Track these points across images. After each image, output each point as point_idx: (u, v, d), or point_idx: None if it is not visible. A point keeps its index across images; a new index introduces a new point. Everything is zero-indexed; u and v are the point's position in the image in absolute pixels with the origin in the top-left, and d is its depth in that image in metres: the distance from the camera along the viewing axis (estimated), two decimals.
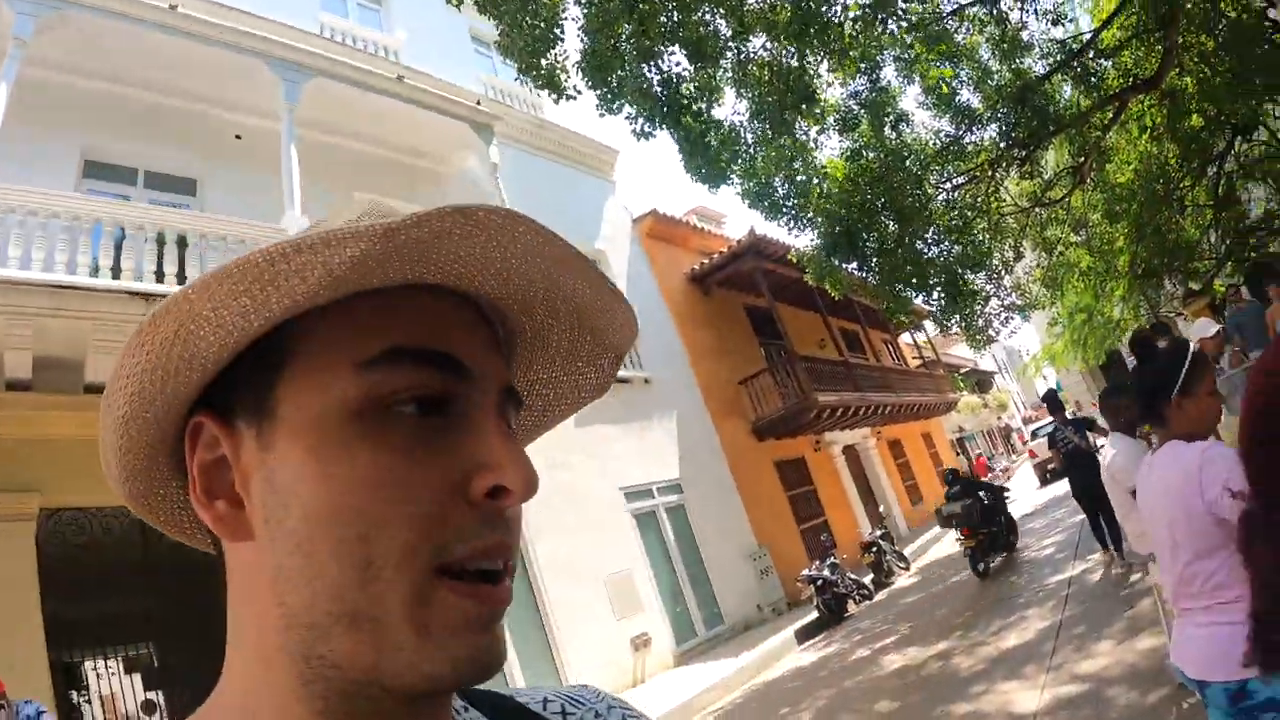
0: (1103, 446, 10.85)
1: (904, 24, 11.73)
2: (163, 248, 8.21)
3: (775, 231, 18.40)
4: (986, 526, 12.99)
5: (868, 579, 15.67)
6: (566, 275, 0.64)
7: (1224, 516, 2.41)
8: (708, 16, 10.45)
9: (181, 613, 9.90)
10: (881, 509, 22.87)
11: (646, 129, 10.49)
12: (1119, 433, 4.90)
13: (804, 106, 11.13)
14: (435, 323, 0.58)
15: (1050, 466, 19.16)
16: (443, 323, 0.59)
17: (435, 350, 0.57)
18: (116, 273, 7.66)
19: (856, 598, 14.60)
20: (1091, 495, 9.53)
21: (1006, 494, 13.94)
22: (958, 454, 39.69)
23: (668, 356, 17.20)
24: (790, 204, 12.87)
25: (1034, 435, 28.97)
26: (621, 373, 15.06)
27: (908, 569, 17.20)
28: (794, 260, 14.92)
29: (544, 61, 9.78)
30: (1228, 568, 2.46)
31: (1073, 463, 10.59)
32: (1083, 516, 11.19)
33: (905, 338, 32.55)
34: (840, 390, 19.54)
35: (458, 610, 0.53)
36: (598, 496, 13.59)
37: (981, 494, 13.38)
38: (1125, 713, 5.11)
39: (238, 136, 11.12)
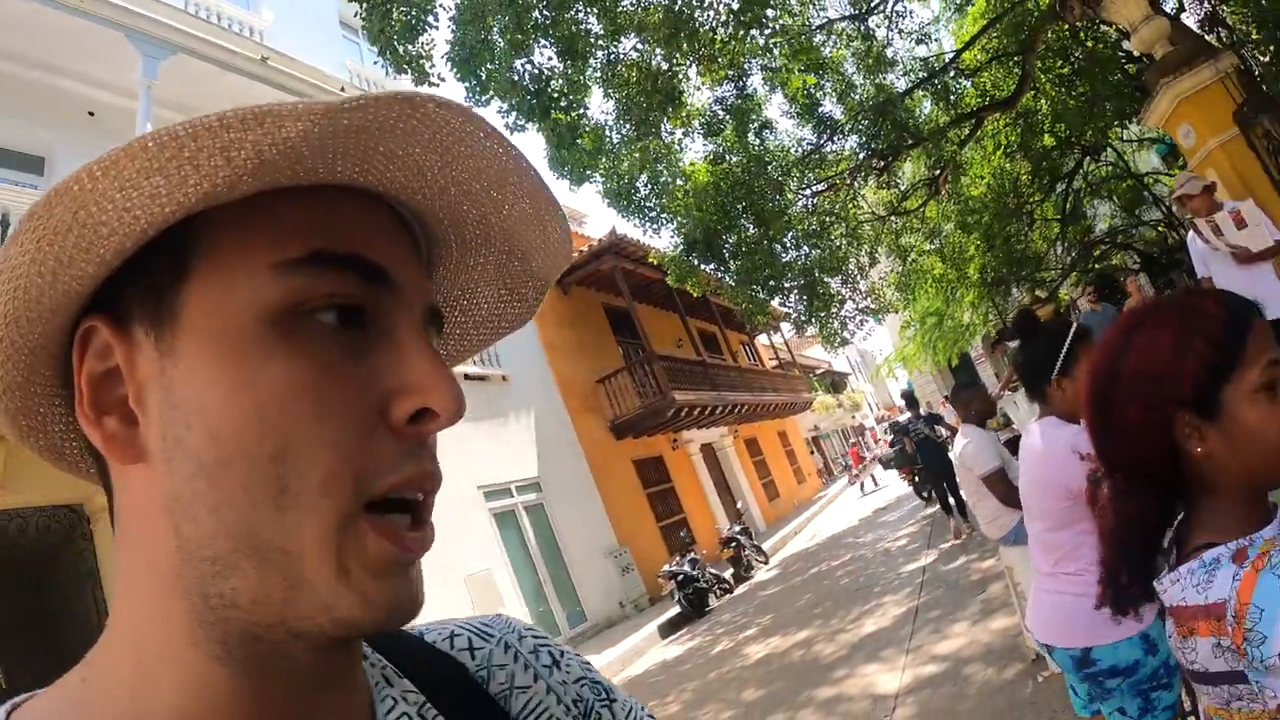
0: (945, 438, 12.33)
1: (771, 33, 11.97)
2: (6, 230, 7.61)
3: (635, 232, 18.40)
4: (916, 463, 14.39)
5: (728, 573, 15.92)
6: (511, 190, 0.58)
7: (1072, 489, 2.51)
8: (580, 15, 10.45)
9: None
10: (740, 505, 23.26)
11: (518, 122, 10.43)
12: (969, 424, 5.08)
13: (670, 109, 11.24)
14: (361, 228, 0.53)
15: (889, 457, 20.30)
16: (369, 228, 0.53)
17: (361, 256, 0.51)
18: None
19: (717, 592, 14.79)
20: (941, 476, 11.86)
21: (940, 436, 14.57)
22: (812, 452, 40.80)
23: (526, 355, 17.04)
24: (652, 205, 12.99)
25: (889, 429, 30.38)
26: (479, 369, 14.93)
27: (766, 563, 17.54)
28: (654, 261, 15.04)
29: (410, 48, 9.57)
30: (1076, 542, 2.60)
31: (925, 450, 12.65)
32: (933, 510, 13.20)
33: (762, 339, 33.31)
34: (698, 389, 19.75)
35: (379, 551, 0.48)
36: (456, 495, 13.37)
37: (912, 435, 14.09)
38: (983, 688, 5.31)
39: (90, 113, 10.45)
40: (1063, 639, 2.56)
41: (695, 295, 16.24)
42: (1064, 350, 2.63)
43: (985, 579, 8.14)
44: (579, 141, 11.03)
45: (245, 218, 0.49)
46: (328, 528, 0.46)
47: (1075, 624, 2.53)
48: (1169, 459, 1.28)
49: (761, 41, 12.05)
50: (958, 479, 5.38)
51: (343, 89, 13.19)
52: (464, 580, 12.65)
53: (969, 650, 6.18)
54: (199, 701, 0.48)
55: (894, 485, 24.62)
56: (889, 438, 20.69)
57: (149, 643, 0.49)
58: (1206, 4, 10.60)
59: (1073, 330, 2.65)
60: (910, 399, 14.29)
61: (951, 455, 5.41)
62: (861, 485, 29.35)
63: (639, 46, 11.19)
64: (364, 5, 9.35)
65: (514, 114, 10.40)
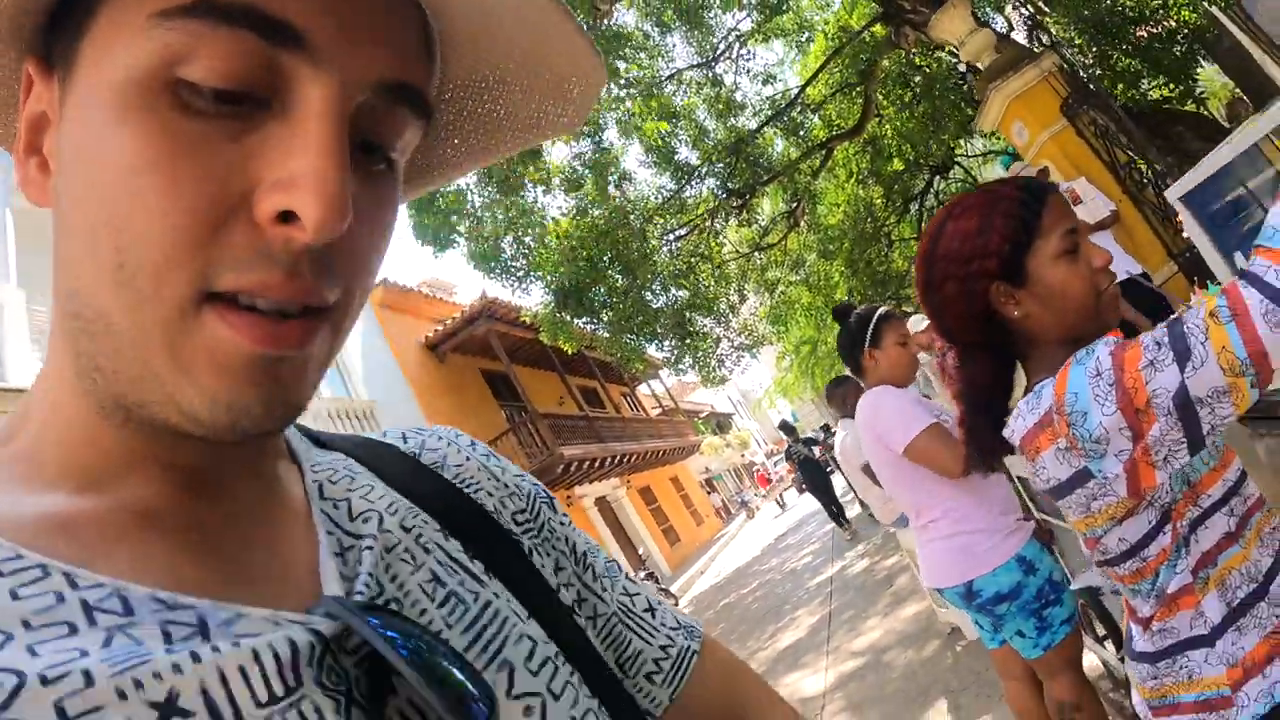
0: (820, 456, 13.71)
1: (624, 84, 12.29)
2: None
3: (506, 294, 18.44)
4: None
5: None
6: None
7: (897, 451, 2.77)
8: None
9: None
10: (641, 553, 23.20)
11: None
12: (845, 418, 5.26)
13: (531, 166, 11.40)
14: None
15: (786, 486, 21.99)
16: None
17: (256, 6, 0.41)
18: None
19: None
20: (822, 488, 14.63)
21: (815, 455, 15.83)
22: (709, 493, 41.07)
23: (404, 424, 16.71)
24: (518, 264, 13.07)
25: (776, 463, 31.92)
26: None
27: (676, 603, 17.51)
28: (527, 320, 15.06)
29: None
30: (919, 495, 2.84)
31: (804, 468, 14.94)
32: (829, 525, 15.16)
33: (643, 389, 33.55)
34: (585, 443, 19.74)
35: (219, 342, 0.42)
36: None
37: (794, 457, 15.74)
38: (905, 669, 5.50)
39: None
40: (948, 578, 2.76)
41: (570, 352, 16.25)
42: (870, 328, 2.95)
43: (891, 574, 8.42)
44: (438, 205, 11.10)
45: None
46: (161, 314, 0.42)
47: (952, 563, 2.74)
48: (994, 326, 1.44)
49: (616, 92, 12.37)
50: (845, 474, 5.60)
51: None
52: None
53: (886, 639, 6.39)
54: (93, 447, 0.47)
55: (801, 505, 25.28)
56: (788, 466, 22.34)
57: (56, 382, 0.48)
58: (1028, 14, 11.40)
59: (877, 313, 2.99)
60: (786, 427, 16.35)
61: (836, 454, 5.64)
62: (780, 501, 32.26)
63: None
64: None
65: None
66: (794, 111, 13.80)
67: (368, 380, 16.51)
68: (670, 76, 13.15)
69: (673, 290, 14.44)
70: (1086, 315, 1.36)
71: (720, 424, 55.92)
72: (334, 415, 14.76)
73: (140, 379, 0.44)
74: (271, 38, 0.41)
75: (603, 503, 23.45)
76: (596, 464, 20.23)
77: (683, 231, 14.07)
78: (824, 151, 13.40)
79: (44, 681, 0.35)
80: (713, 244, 14.49)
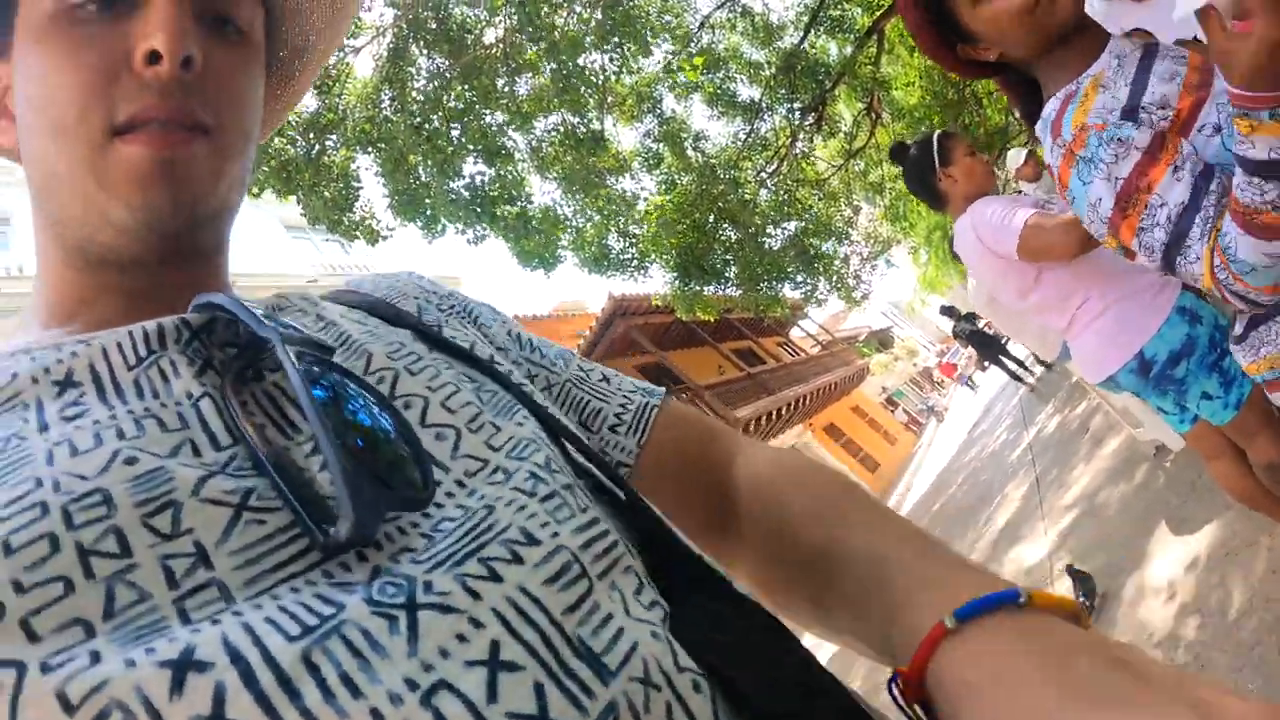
0: (983, 325, 13.67)
1: (661, 49, 12.28)
2: None
3: (632, 288, 18.58)
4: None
5: None
6: None
7: (1013, 256, 2.60)
8: (487, 118, 10.82)
9: None
10: None
11: (478, 234, 10.78)
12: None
13: (598, 152, 11.53)
14: None
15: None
16: None
17: None
18: None
19: None
20: (998, 352, 15.77)
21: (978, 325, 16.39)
22: (892, 411, 40.38)
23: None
24: (630, 255, 13.18)
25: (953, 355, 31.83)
26: None
27: None
28: (659, 304, 15.15)
29: (351, 216, 9.98)
30: (1053, 294, 2.66)
31: (975, 341, 16.06)
32: (1016, 398, 15.71)
33: (796, 332, 33.19)
34: (754, 400, 19.76)
35: (127, 158, 0.59)
36: None
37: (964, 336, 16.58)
38: (1120, 504, 5.35)
39: None
40: (1116, 358, 2.56)
41: (712, 320, 16.24)
42: (935, 148, 2.84)
43: (1084, 419, 8.21)
44: (533, 227, 11.36)
45: None
46: (85, 152, 0.59)
47: (1113, 341, 2.56)
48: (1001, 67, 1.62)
49: (658, 61, 12.38)
50: (996, 323, 5.40)
51: (315, 280, 13.57)
52: None
53: (1095, 482, 6.23)
54: (70, 290, 0.65)
55: (989, 385, 25.26)
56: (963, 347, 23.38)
57: (43, 262, 0.67)
58: None
59: (935, 134, 2.89)
60: (946, 309, 16.95)
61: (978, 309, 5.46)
62: (970, 383, 32.54)
63: (554, 124, 11.55)
64: (298, 197, 9.76)
65: (468, 230, 10.77)
66: (830, 9, 13.40)
67: None
68: (700, 26, 13.00)
69: (784, 226, 14.28)
70: (1032, 29, 1.46)
71: (882, 340, 54.88)
72: None
73: (82, 212, 0.62)
74: None
75: None
76: (773, 416, 20.19)
77: (772, 167, 13.90)
78: (874, 36, 12.98)
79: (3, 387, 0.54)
80: (805, 167, 14.26)
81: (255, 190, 10.19)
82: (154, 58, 0.59)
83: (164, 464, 0.49)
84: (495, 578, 0.47)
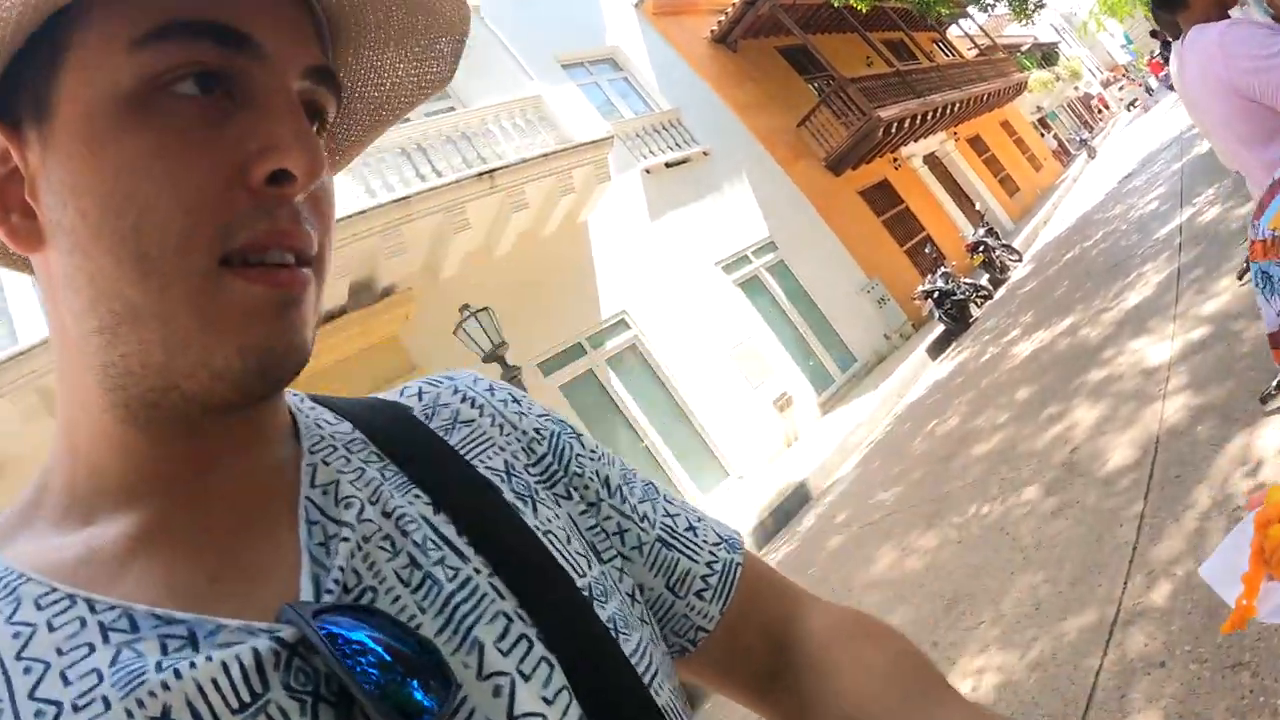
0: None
1: None
2: None
3: None
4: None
5: (983, 280, 15.37)
6: None
7: (1253, 97, 2.26)
8: None
9: None
10: (979, 208, 22.00)
11: None
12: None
13: None
14: None
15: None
16: None
17: (213, 21, 0.49)
18: None
19: (977, 300, 14.36)
20: None
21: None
22: (1042, 134, 38.29)
23: (717, 124, 16.54)
24: None
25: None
26: (677, 154, 14.68)
27: (1020, 260, 16.80)
28: None
29: None
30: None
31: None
32: (1179, 164, 12.62)
33: (954, 30, 31.32)
34: (901, 100, 18.59)
35: (244, 296, 0.49)
36: (696, 278, 13.41)
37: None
38: (1255, 340, 4.86)
39: None
40: None
41: (864, 9, 15.11)
42: None
43: (1245, 224, 7.35)
44: None
45: (103, 3, 0.48)
46: (189, 286, 0.48)
47: None
48: None
49: None
50: (1185, 107, 4.62)
51: None
52: (729, 357, 12.77)
53: (1237, 304, 5.67)
54: (118, 463, 0.54)
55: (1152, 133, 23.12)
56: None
57: (77, 419, 0.54)
58: None
59: None
60: (1157, 34, 13.75)
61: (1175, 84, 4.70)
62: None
63: None
64: None
65: None
66: None
67: (666, 91, 16.33)
68: None
69: None
70: None
71: (1046, 55, 51.07)
72: (642, 133, 14.81)
73: (172, 359, 0.49)
74: (228, 43, 0.50)
75: (932, 159, 22.41)
76: (917, 120, 19.10)
77: None
78: None
79: (75, 709, 0.45)
80: None
81: None
82: (282, 176, 0.50)
83: None
84: None
